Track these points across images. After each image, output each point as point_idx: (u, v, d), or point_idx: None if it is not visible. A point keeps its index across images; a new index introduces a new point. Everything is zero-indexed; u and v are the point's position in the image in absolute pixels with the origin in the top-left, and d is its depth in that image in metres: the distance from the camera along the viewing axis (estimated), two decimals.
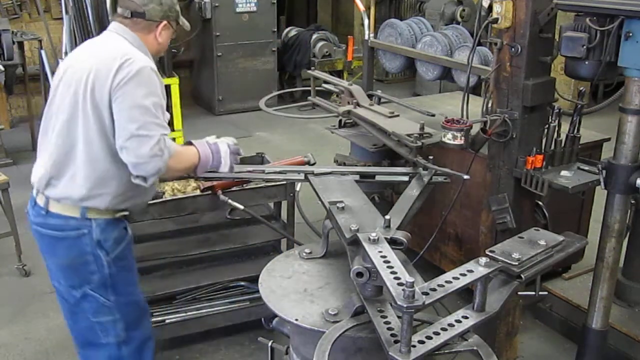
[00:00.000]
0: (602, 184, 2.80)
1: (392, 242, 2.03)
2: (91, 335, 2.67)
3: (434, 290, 1.76)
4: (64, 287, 2.61)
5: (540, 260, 2.09)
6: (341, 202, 2.32)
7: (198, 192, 3.26)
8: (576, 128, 3.05)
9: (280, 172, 2.89)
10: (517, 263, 2.00)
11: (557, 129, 3.00)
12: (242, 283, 3.59)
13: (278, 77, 8.70)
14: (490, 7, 2.92)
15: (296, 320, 1.97)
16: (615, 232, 2.84)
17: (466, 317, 1.86)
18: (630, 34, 2.51)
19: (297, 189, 3.49)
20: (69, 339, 2.87)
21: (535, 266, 2.07)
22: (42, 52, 6.35)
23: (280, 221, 3.73)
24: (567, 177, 2.94)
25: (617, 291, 3.37)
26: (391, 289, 1.68)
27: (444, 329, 1.78)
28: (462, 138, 2.74)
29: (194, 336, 3.58)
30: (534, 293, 2.25)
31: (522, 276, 2.02)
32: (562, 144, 3.04)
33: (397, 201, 2.49)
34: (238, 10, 7.96)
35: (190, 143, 2.65)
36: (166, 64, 6.10)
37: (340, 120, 3.86)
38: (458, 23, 7.42)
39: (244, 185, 3.31)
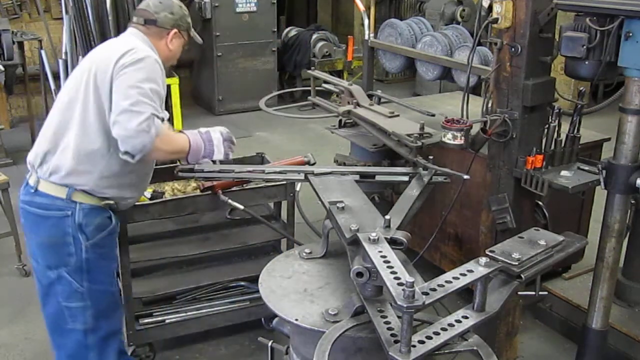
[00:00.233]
0: (602, 184, 2.80)
1: (392, 242, 2.02)
2: (60, 320, 2.70)
3: (434, 290, 1.76)
4: (41, 266, 2.66)
5: (540, 260, 2.09)
6: (341, 202, 2.32)
7: (198, 192, 3.26)
8: (576, 128, 3.05)
9: (280, 172, 2.89)
10: (517, 263, 2.00)
11: (557, 129, 3.00)
12: (242, 283, 3.59)
13: (278, 77, 8.70)
14: (490, 7, 2.92)
15: (296, 320, 1.97)
16: (615, 232, 2.83)
17: (466, 317, 1.85)
18: (630, 34, 2.50)
19: (297, 189, 3.48)
20: None
21: (535, 266, 2.06)
22: (42, 52, 6.34)
23: (280, 221, 3.72)
24: (567, 177, 2.94)
25: (617, 291, 3.37)
26: (391, 289, 1.68)
27: (444, 329, 1.78)
28: (462, 138, 2.74)
29: (194, 336, 3.58)
30: (534, 293, 2.24)
31: (522, 276, 2.02)
32: (562, 144, 3.04)
33: (397, 201, 2.49)
34: (238, 10, 7.96)
35: (182, 132, 2.72)
36: None
37: (340, 120, 3.85)
38: (458, 23, 7.42)
39: (244, 185, 3.31)
